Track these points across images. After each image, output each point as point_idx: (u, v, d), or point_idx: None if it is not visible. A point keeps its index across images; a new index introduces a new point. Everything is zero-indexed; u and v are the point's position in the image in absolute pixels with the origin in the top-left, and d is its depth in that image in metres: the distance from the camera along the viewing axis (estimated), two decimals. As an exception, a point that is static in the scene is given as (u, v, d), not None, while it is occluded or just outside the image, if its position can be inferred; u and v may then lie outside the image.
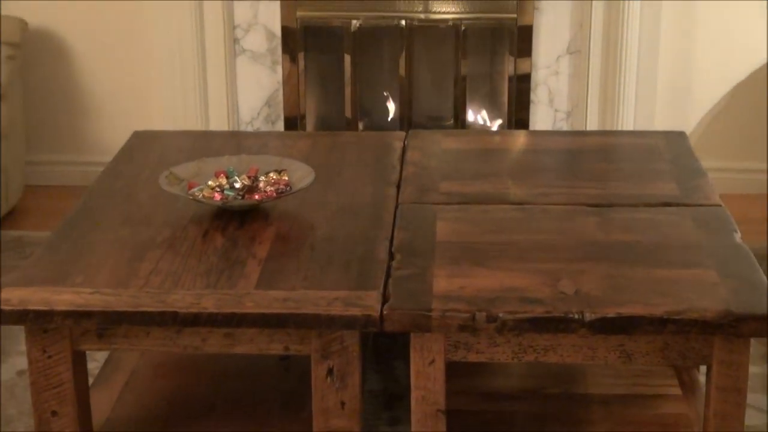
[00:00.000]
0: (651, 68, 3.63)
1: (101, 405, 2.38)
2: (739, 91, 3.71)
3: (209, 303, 2.08)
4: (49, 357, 2.13)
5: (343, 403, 2.13)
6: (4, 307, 2.08)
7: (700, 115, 3.74)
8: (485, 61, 3.80)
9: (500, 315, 2.03)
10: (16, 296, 2.11)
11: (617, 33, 3.54)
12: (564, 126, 3.71)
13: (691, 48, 3.68)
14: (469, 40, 3.68)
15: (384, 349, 2.62)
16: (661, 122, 3.67)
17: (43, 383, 2.15)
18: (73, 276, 2.19)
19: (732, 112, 3.73)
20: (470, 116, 3.82)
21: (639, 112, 3.63)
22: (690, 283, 2.13)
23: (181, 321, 2.07)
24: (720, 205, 2.51)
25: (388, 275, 2.18)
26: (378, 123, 3.86)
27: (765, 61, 3.66)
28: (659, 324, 2.03)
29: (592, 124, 3.65)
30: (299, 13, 3.63)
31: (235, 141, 3.05)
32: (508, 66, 3.70)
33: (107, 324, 2.10)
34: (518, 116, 3.71)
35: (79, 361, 2.17)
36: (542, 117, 3.70)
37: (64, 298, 2.10)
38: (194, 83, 3.66)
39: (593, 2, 3.53)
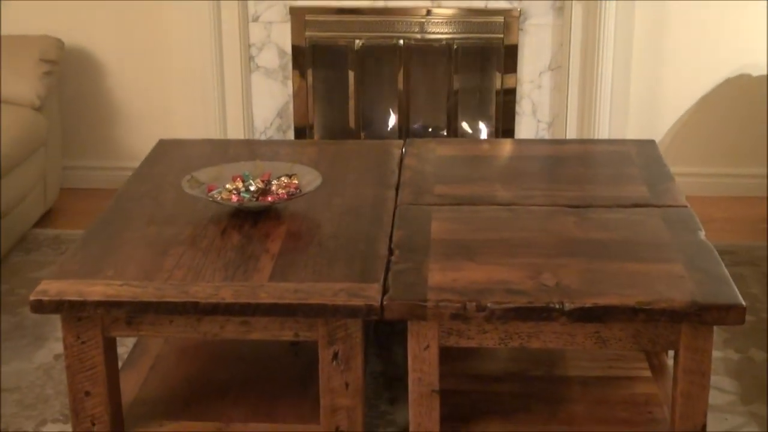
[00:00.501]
0: (624, 83, 3.63)
1: (129, 386, 2.38)
2: (704, 103, 3.70)
3: (227, 294, 2.08)
4: (83, 342, 2.13)
5: (347, 384, 2.13)
6: (43, 298, 2.08)
7: (668, 125, 3.74)
8: (475, 77, 3.79)
9: (488, 305, 2.03)
10: (54, 288, 2.11)
11: (593, 51, 3.54)
12: (546, 135, 3.70)
13: (660, 65, 3.67)
14: (461, 58, 3.68)
15: (384, 336, 2.61)
16: (633, 131, 3.67)
17: (78, 366, 2.15)
18: (105, 270, 2.19)
19: (697, 123, 3.73)
20: (462, 126, 3.82)
21: (613, 122, 3.62)
22: (659, 276, 2.13)
23: (202, 310, 2.07)
24: (686, 206, 2.51)
25: (387, 269, 2.18)
26: (379, 132, 3.85)
27: (726, 77, 3.67)
28: (631, 313, 2.03)
29: (571, 133, 3.64)
30: (308, 33, 3.62)
31: (250, 148, 3.04)
32: (496, 81, 3.69)
33: (135, 313, 2.10)
34: (505, 126, 3.70)
35: (109, 346, 2.17)
36: (526, 127, 3.69)
37: (96, 290, 2.10)
38: (213, 96, 3.65)
39: (572, 24, 3.53)
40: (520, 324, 2.06)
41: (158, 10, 3.68)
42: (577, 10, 3.53)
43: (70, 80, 3.76)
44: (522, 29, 3.59)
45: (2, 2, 3.67)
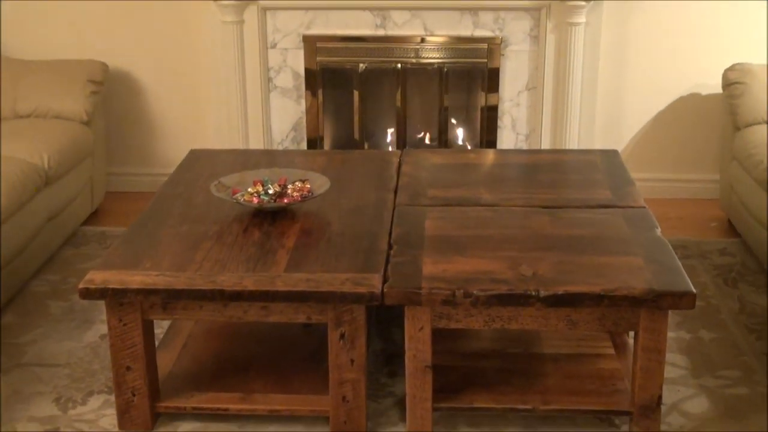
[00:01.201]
0: (591, 101, 3.62)
1: (164, 362, 2.38)
2: (660, 118, 3.69)
3: (249, 283, 2.08)
4: (125, 324, 2.13)
5: (352, 360, 2.13)
6: (90, 286, 2.09)
7: (629, 137, 3.73)
8: (463, 96, 3.79)
9: (474, 292, 2.03)
10: (99, 278, 2.11)
11: (564, 74, 3.53)
12: (523, 145, 3.70)
13: (622, 86, 3.66)
14: (450, 79, 3.67)
15: (384, 318, 2.61)
16: (598, 143, 3.66)
17: (120, 345, 2.15)
18: (143, 262, 2.19)
19: (654, 135, 3.72)
20: (451, 138, 3.81)
21: (581, 134, 3.61)
22: (621, 268, 2.13)
23: (227, 297, 2.07)
24: (644, 207, 2.51)
25: (387, 261, 2.18)
26: (379, 143, 3.85)
27: (679, 96, 3.65)
28: (597, 299, 2.03)
29: (545, 144, 3.63)
30: (319, 58, 3.62)
31: (268, 157, 3.04)
32: (480, 99, 3.68)
33: (169, 299, 2.11)
34: (488, 138, 3.69)
35: (147, 328, 2.18)
36: (507, 139, 3.69)
37: (136, 279, 2.10)
38: (237, 112, 3.64)
39: (546, 51, 3.53)
40: (501, 309, 2.07)
41: (190, 37, 3.67)
42: (550, 39, 3.53)
43: (113, 98, 3.76)
44: (503, 55, 3.58)
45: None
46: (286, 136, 3.75)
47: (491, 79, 3.62)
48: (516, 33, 3.57)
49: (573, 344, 2.44)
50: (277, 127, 3.74)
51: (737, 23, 3.53)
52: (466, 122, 3.81)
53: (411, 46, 3.62)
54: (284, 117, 3.73)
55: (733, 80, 3.33)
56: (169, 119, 3.82)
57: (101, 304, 2.29)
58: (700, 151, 3.73)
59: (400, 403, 2.28)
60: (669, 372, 2.39)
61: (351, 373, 2.14)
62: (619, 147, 3.66)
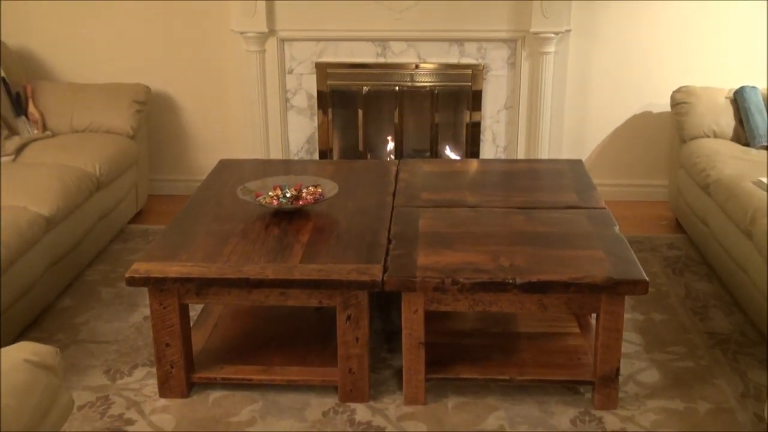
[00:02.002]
0: (559, 118, 3.62)
1: (198, 339, 2.38)
2: (618, 133, 3.69)
3: (270, 272, 2.08)
4: (164, 308, 2.13)
5: (357, 338, 2.13)
6: (135, 275, 2.09)
7: (591, 149, 3.73)
8: (450, 114, 3.78)
9: (461, 280, 2.04)
10: (143, 268, 2.11)
11: (537, 95, 3.53)
12: (502, 155, 3.69)
13: (585, 106, 3.65)
14: (440, 100, 3.67)
15: (384, 302, 2.62)
16: (566, 153, 3.66)
17: (160, 325, 2.15)
18: (180, 254, 2.19)
19: (613, 147, 3.71)
20: (441, 149, 3.81)
21: (551, 146, 3.61)
22: (585, 259, 2.13)
23: (251, 284, 2.07)
24: (605, 208, 2.51)
25: (387, 254, 2.18)
26: (380, 154, 3.84)
27: (634, 114, 3.65)
28: (565, 286, 2.03)
29: (521, 155, 3.63)
30: (329, 82, 3.61)
31: (286, 166, 3.04)
32: (465, 117, 3.68)
33: (202, 286, 2.11)
34: (472, 150, 3.69)
35: (183, 311, 2.18)
36: (488, 150, 3.68)
37: (174, 269, 2.10)
38: (260, 127, 3.64)
39: (521, 75, 3.52)
40: (483, 294, 2.07)
41: (220, 64, 3.67)
42: (524, 65, 3.53)
43: (155, 115, 3.76)
44: (485, 79, 3.58)
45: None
46: (301, 148, 3.75)
47: (475, 100, 3.62)
48: (496, 60, 3.56)
49: (544, 324, 2.44)
50: (294, 140, 3.74)
51: (683, 52, 3.54)
52: (454, 136, 3.81)
53: (407, 72, 3.61)
54: (299, 132, 3.72)
55: (680, 100, 3.33)
56: (201, 133, 3.82)
57: (144, 291, 2.30)
58: (651, 161, 3.73)
59: (398, 375, 2.28)
60: (625, 348, 2.39)
61: (356, 349, 2.14)
62: (583, 157, 3.67)
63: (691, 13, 3.48)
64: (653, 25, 3.52)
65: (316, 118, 3.69)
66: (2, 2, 3.60)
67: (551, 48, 3.48)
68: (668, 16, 3.50)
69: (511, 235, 2.30)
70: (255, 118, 3.64)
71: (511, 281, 2.03)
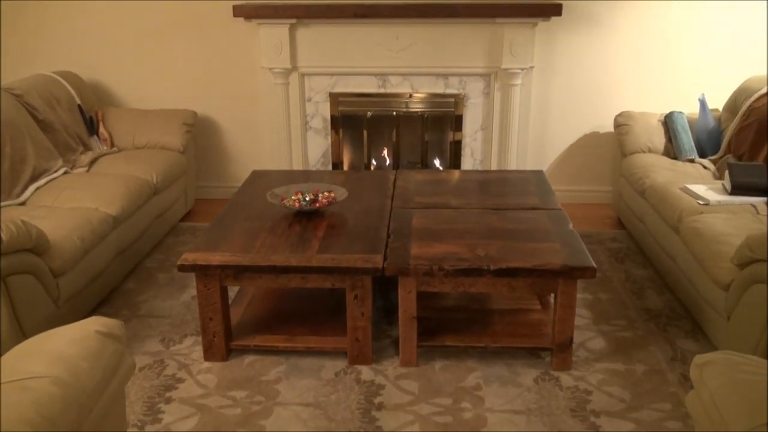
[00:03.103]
0: (524, 136, 3.60)
1: (235, 314, 2.38)
2: (572, 148, 3.68)
3: (293, 260, 2.07)
4: (208, 289, 2.13)
5: (362, 313, 2.13)
6: (185, 263, 2.08)
7: (551, 161, 3.72)
8: (438, 133, 3.77)
9: (446, 267, 2.03)
10: (191, 257, 2.11)
11: (507, 119, 3.52)
12: (479, 167, 3.69)
13: (546, 126, 3.65)
14: (429, 122, 3.65)
15: (384, 285, 2.61)
16: (530, 165, 3.65)
17: (204, 303, 2.15)
18: (221, 247, 2.18)
19: (568, 160, 3.71)
20: (430, 162, 3.80)
21: (518, 159, 3.61)
22: (546, 250, 2.13)
23: (278, 270, 2.07)
24: (561, 209, 2.51)
25: (386, 246, 2.18)
26: (381, 166, 3.84)
27: (585, 133, 3.63)
28: (529, 272, 2.02)
29: (494, 166, 3.63)
30: (340, 108, 3.60)
31: (305, 175, 3.03)
32: (449, 136, 3.67)
33: (239, 272, 2.10)
34: (455, 162, 3.68)
35: (224, 291, 2.17)
36: (467, 162, 3.67)
37: (216, 258, 2.10)
38: (285, 144, 3.63)
39: (494, 102, 3.51)
40: (464, 278, 2.06)
41: (253, 93, 3.66)
42: (497, 95, 3.52)
43: (200, 134, 3.76)
44: (465, 105, 3.58)
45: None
46: (318, 161, 3.74)
47: (457, 122, 3.61)
48: (474, 91, 3.55)
49: (513, 302, 2.44)
50: (311, 155, 3.73)
51: (624, 83, 3.53)
52: (440, 151, 3.80)
53: (402, 100, 3.61)
54: (316, 148, 3.72)
55: (621, 122, 3.32)
56: (237, 149, 3.81)
57: (192, 275, 2.29)
58: (598, 171, 3.72)
59: (395, 343, 2.28)
60: (578, 321, 2.39)
61: (362, 322, 2.13)
62: (544, 167, 3.66)
63: (631, 52, 3.48)
64: (600, 62, 3.51)
65: (329, 137, 3.68)
66: (78, 40, 3.60)
67: (518, 81, 3.47)
68: (612, 54, 3.49)
69: (486, 231, 2.29)
70: (281, 136, 3.63)
71: (486, 268, 2.03)
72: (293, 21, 3.42)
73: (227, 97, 3.70)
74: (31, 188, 2.75)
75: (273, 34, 3.43)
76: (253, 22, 3.47)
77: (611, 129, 3.50)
